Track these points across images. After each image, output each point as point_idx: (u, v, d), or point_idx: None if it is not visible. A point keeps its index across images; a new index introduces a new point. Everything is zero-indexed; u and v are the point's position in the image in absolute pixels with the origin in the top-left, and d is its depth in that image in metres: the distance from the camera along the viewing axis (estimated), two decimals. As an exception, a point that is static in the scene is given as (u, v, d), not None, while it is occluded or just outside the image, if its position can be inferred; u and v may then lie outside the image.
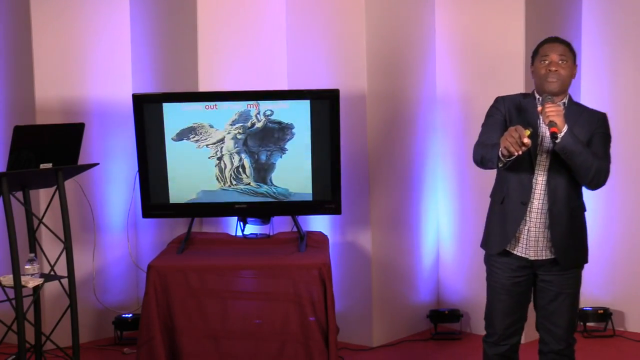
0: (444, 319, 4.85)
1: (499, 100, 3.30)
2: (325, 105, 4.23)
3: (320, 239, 4.42)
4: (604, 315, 4.82)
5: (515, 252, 3.23)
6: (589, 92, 4.88)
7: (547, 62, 3.16)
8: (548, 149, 3.14)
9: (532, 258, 3.21)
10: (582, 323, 4.79)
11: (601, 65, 4.92)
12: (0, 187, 3.59)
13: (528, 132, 2.90)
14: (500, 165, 3.05)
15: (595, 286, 4.90)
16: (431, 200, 4.98)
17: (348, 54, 4.62)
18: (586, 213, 3.29)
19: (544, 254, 3.20)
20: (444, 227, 5.03)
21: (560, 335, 3.27)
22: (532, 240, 3.19)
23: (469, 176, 4.75)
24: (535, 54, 3.25)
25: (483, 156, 3.14)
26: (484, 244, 3.37)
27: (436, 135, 4.97)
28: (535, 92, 3.26)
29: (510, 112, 3.22)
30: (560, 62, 3.15)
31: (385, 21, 4.66)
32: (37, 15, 4.55)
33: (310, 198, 4.32)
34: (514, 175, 3.18)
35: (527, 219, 3.18)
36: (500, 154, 3.00)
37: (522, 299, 3.30)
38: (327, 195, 4.31)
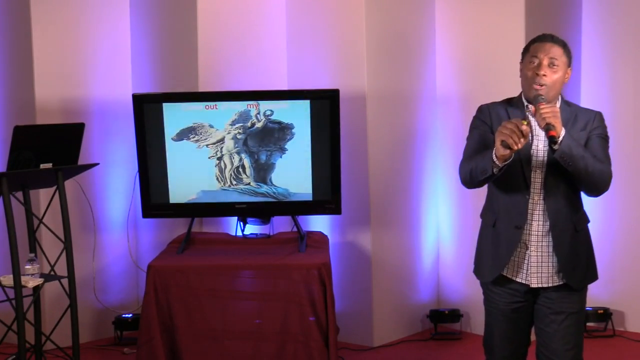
0: (444, 319, 4.84)
1: (483, 110, 2.98)
2: (325, 105, 4.23)
3: (320, 239, 4.42)
4: (604, 315, 4.82)
5: (515, 279, 2.94)
6: (589, 92, 4.88)
7: (535, 63, 2.83)
8: (543, 162, 2.85)
9: (534, 286, 2.92)
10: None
11: (601, 65, 4.91)
12: (0, 187, 3.59)
13: (525, 122, 2.64)
14: (496, 170, 2.73)
15: (595, 286, 4.84)
16: (431, 200, 4.98)
17: (348, 54, 4.62)
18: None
19: (550, 281, 2.91)
20: (444, 227, 5.02)
21: None
22: (534, 267, 2.90)
23: (469, 176, 4.74)
24: (526, 52, 2.91)
25: (473, 168, 2.82)
26: (476, 271, 3.09)
27: (436, 135, 4.96)
28: (523, 97, 2.93)
29: (496, 122, 2.88)
30: (550, 65, 2.82)
31: (385, 21, 4.66)
32: (37, 16, 4.55)
33: (310, 198, 4.32)
34: (506, 195, 2.90)
35: (528, 243, 2.89)
36: (494, 155, 2.70)
37: (523, 324, 3.02)
38: (327, 195, 4.31)
